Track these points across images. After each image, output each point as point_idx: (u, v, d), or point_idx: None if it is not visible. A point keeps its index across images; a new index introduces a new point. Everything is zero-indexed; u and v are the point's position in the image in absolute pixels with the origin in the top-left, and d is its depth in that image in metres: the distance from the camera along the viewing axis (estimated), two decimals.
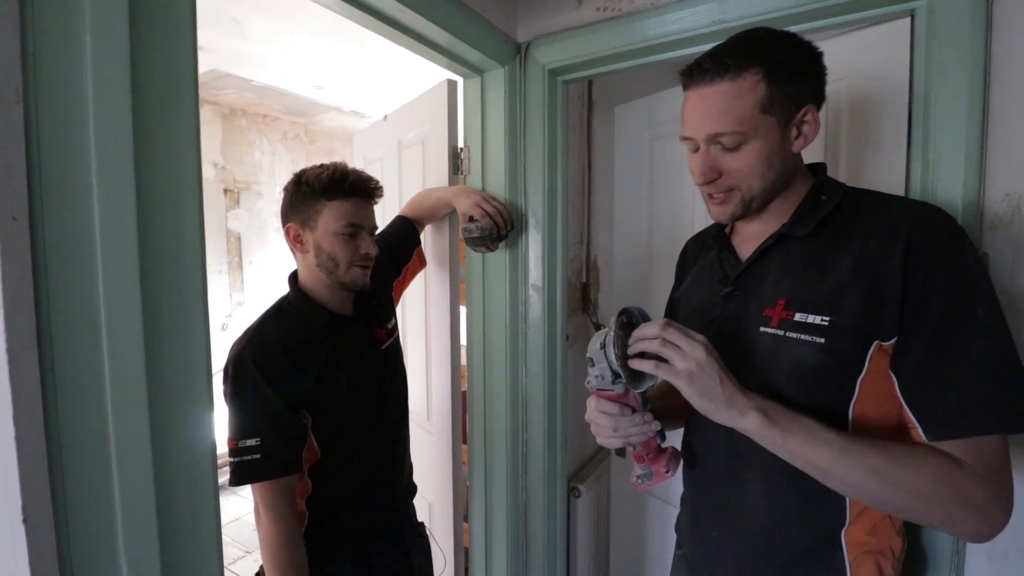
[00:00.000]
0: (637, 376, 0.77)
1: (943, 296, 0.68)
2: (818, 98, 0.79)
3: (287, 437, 1.09)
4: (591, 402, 0.85)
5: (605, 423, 0.83)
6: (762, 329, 0.79)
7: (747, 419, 0.70)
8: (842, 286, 0.73)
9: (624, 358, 0.75)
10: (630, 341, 0.75)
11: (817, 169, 0.87)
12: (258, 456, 1.04)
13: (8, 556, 0.51)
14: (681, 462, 0.88)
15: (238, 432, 1.05)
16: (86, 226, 0.56)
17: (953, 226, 0.72)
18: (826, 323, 0.73)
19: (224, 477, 2.57)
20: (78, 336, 0.56)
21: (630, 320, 0.79)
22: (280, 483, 1.07)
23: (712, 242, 0.97)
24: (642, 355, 0.74)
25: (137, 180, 0.58)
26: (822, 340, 0.73)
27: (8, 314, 0.48)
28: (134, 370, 0.59)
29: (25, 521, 0.50)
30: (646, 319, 0.79)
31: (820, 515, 0.79)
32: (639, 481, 0.89)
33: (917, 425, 0.69)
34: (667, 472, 0.86)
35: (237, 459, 1.05)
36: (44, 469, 0.52)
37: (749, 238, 0.89)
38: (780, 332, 0.77)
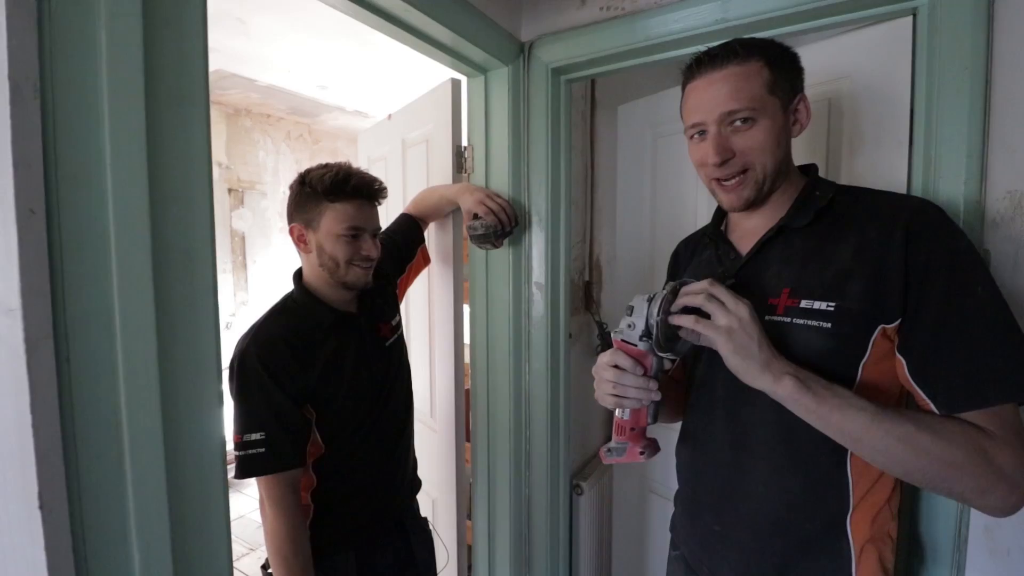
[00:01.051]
0: (669, 339, 0.78)
1: (944, 277, 0.71)
2: (802, 88, 0.85)
3: (291, 432, 1.10)
4: (606, 354, 0.85)
5: (609, 376, 0.83)
6: (767, 318, 0.80)
7: (781, 384, 0.71)
8: (845, 273, 0.76)
9: (665, 316, 0.77)
10: (677, 300, 0.78)
11: (809, 169, 0.91)
12: (263, 450, 1.06)
13: (25, 540, 0.52)
14: (657, 453, 0.87)
15: (243, 426, 1.07)
16: (101, 219, 0.57)
17: (944, 214, 0.76)
18: (832, 308, 0.75)
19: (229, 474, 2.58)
20: (92, 327, 0.57)
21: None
22: (284, 476, 1.08)
23: (707, 240, 0.99)
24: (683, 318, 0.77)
25: (150, 175, 0.60)
26: (828, 325, 0.75)
27: (26, 304, 0.49)
28: (146, 360, 0.60)
29: (41, 507, 0.51)
30: None
31: (826, 501, 0.80)
32: (608, 454, 0.86)
33: (929, 401, 0.70)
34: (641, 454, 0.84)
35: (242, 453, 1.06)
36: (59, 457, 0.53)
37: (747, 234, 0.91)
38: (787, 319, 0.79)
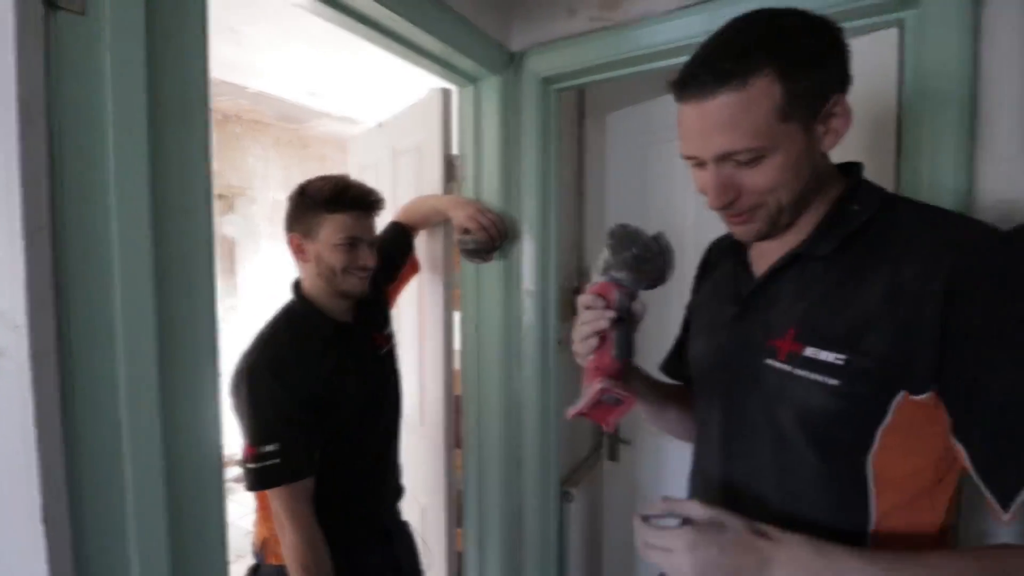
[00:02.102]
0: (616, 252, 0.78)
1: (1009, 343, 0.55)
2: (844, 82, 0.64)
3: (304, 441, 1.11)
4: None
5: (581, 318, 0.77)
6: (767, 362, 0.68)
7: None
8: (867, 319, 0.61)
9: (631, 261, 0.76)
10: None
11: (851, 170, 0.71)
12: (278, 461, 1.06)
13: (28, 553, 0.52)
14: (626, 408, 0.72)
15: (257, 438, 1.07)
16: (105, 236, 0.58)
17: (1009, 252, 0.58)
18: (841, 362, 0.61)
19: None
20: (96, 341, 0.57)
21: (650, 246, 0.79)
22: (299, 486, 1.08)
23: (730, 251, 0.84)
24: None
25: (152, 191, 0.61)
26: (836, 382, 0.61)
27: (32, 320, 0.50)
28: (147, 373, 0.61)
29: (44, 520, 0.52)
30: (656, 250, 0.79)
31: None
32: (572, 406, 0.76)
33: (997, 506, 0.55)
34: (602, 392, 0.70)
35: (257, 465, 1.06)
36: (62, 470, 0.54)
37: (764, 253, 0.75)
38: (787, 368, 0.65)
